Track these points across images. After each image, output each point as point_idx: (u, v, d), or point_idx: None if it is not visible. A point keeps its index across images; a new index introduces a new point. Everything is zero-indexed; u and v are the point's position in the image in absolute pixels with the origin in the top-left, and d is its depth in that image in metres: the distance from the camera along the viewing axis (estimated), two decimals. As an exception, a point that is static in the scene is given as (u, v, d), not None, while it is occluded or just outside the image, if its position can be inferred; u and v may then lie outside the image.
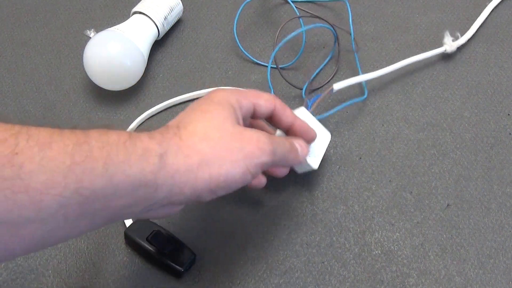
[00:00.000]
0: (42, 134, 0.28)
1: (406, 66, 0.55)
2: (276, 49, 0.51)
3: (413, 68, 0.56)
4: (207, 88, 0.55)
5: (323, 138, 0.49)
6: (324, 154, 0.48)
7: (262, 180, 0.43)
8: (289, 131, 0.44)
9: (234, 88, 0.40)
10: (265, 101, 0.41)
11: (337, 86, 0.49)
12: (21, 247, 0.28)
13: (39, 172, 0.27)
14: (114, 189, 0.30)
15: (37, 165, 0.27)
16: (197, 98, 0.48)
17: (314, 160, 0.47)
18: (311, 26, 0.53)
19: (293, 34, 0.50)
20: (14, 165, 0.27)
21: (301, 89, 0.54)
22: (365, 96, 0.53)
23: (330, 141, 0.52)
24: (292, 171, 0.47)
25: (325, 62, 0.57)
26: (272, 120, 0.43)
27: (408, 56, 0.57)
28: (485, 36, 0.59)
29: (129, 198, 0.31)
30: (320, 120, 0.48)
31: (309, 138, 0.44)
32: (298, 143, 0.43)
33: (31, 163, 0.27)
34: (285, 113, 0.42)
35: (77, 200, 0.29)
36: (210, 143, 0.35)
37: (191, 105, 0.38)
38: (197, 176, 0.34)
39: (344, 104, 0.52)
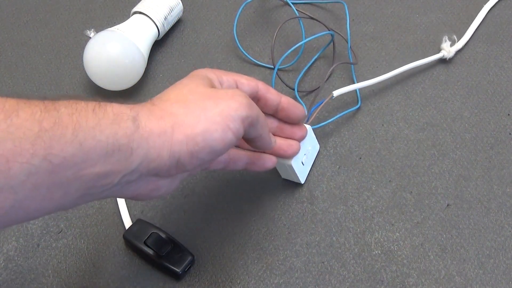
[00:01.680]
0: (8, 102, 0.28)
1: (406, 68, 0.55)
2: (284, 56, 0.51)
3: (413, 69, 0.56)
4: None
5: (314, 150, 0.49)
6: (313, 163, 0.50)
7: (272, 159, 0.43)
8: (278, 112, 0.43)
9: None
10: (248, 80, 0.40)
11: (337, 92, 0.49)
12: None
13: (6, 139, 0.27)
14: (85, 156, 0.29)
15: (4, 132, 0.27)
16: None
17: (302, 174, 0.48)
18: (312, 37, 0.54)
19: (297, 45, 0.52)
20: None
21: (293, 89, 0.54)
22: (359, 105, 0.53)
23: (330, 141, 0.52)
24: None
25: (310, 63, 0.57)
26: (257, 103, 0.41)
27: (408, 57, 0.57)
28: (485, 36, 0.59)
29: (102, 165, 0.30)
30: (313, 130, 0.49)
31: (298, 113, 0.43)
32: (288, 143, 0.44)
33: None
34: (270, 91, 0.41)
35: (47, 168, 0.28)
36: (183, 105, 0.34)
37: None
38: (173, 138, 0.32)
39: (337, 116, 0.52)
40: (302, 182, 0.48)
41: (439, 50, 0.57)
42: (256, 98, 0.41)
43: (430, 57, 0.56)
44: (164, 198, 0.49)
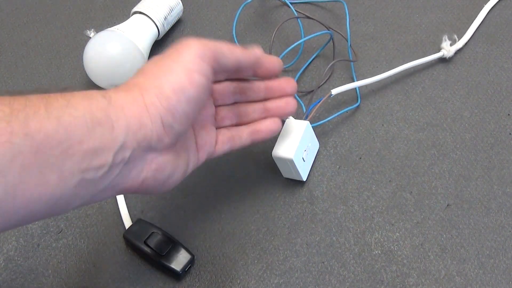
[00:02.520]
0: None
1: (406, 67, 0.55)
2: (281, 55, 0.51)
3: (413, 69, 0.56)
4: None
5: (314, 147, 0.50)
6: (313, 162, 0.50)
7: (275, 121, 0.43)
8: (256, 70, 0.42)
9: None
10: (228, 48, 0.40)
11: (335, 91, 0.49)
12: None
13: None
14: (66, 132, 0.29)
15: None
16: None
17: (304, 171, 0.48)
18: (310, 36, 0.54)
19: (295, 44, 0.53)
20: None
21: None
22: (359, 103, 0.53)
23: (330, 141, 0.52)
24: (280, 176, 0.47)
25: (308, 62, 0.57)
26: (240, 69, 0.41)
27: (407, 57, 0.57)
28: (485, 36, 0.59)
29: (88, 141, 0.30)
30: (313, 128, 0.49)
31: (274, 61, 0.43)
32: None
33: None
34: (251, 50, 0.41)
35: (31, 147, 0.28)
36: (144, 72, 0.35)
37: None
38: (146, 103, 0.33)
39: (337, 113, 0.52)
40: (304, 179, 0.48)
41: (439, 50, 0.57)
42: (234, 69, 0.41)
43: (430, 56, 0.56)
44: (164, 197, 0.49)
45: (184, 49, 0.35)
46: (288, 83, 0.44)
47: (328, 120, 0.52)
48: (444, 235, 0.46)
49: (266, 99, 0.44)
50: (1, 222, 0.28)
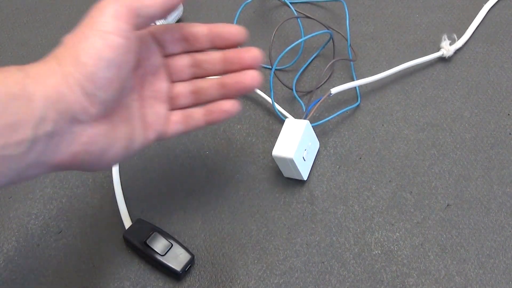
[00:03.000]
0: None
1: (405, 67, 0.55)
2: (280, 55, 0.51)
3: (413, 68, 0.56)
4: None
5: (314, 147, 0.50)
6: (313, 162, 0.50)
7: (231, 103, 0.40)
8: (214, 42, 0.39)
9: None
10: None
11: (335, 90, 0.49)
12: None
13: None
14: None
15: None
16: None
17: (304, 170, 0.48)
18: (309, 36, 0.54)
19: (295, 44, 0.52)
20: None
21: (291, 88, 0.54)
22: (359, 102, 0.53)
23: (330, 141, 0.52)
24: (281, 176, 0.47)
25: (308, 62, 0.57)
26: (187, 42, 0.39)
27: (407, 56, 0.57)
28: (485, 36, 0.59)
29: (4, 116, 0.29)
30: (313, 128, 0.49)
31: (232, 29, 0.39)
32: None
33: None
34: (194, 25, 0.39)
35: None
36: (63, 44, 0.33)
37: None
38: (64, 73, 0.31)
39: (337, 113, 0.52)
40: (305, 179, 0.48)
41: (438, 49, 0.57)
42: (184, 39, 0.38)
43: (430, 55, 0.56)
44: (164, 197, 0.49)
45: (97, 12, 0.33)
46: (248, 52, 0.39)
47: (328, 120, 0.52)
48: (444, 235, 0.46)
49: (225, 73, 0.40)
50: None
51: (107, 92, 0.32)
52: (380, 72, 0.53)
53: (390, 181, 0.49)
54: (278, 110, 0.52)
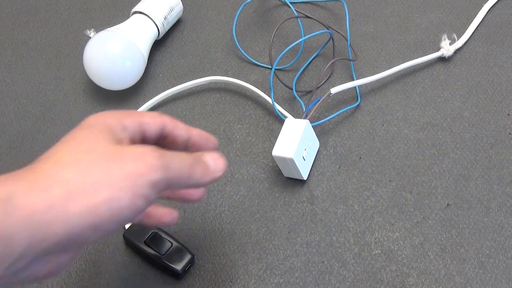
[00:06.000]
0: None
1: (405, 66, 0.55)
2: (280, 55, 0.51)
3: (413, 68, 0.56)
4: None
5: (314, 146, 0.50)
6: (313, 162, 0.50)
7: (172, 214, 0.38)
8: (189, 147, 0.37)
9: (114, 110, 0.34)
10: (152, 117, 0.34)
11: (335, 90, 0.50)
12: None
13: None
14: None
15: None
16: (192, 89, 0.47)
17: (304, 170, 0.48)
18: (309, 36, 0.54)
19: (294, 43, 0.52)
20: None
21: (291, 88, 0.54)
22: (358, 102, 0.53)
23: (330, 141, 0.52)
24: (280, 175, 0.47)
25: (308, 61, 0.57)
26: (165, 141, 0.36)
27: (407, 56, 0.57)
28: (485, 36, 0.59)
29: None
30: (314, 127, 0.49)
31: (211, 146, 0.37)
32: (210, 156, 0.34)
33: None
34: (178, 126, 0.36)
35: None
36: (78, 169, 0.28)
37: (63, 138, 0.31)
38: (68, 211, 0.27)
39: (337, 113, 0.52)
40: (305, 178, 0.48)
41: (438, 49, 0.57)
42: (162, 136, 0.35)
43: (429, 55, 0.56)
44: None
45: (143, 159, 0.30)
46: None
47: (328, 120, 0.52)
48: (444, 235, 0.46)
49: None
50: None
51: (96, 238, 0.29)
52: (380, 72, 0.54)
53: (390, 181, 0.49)
54: (278, 110, 0.52)
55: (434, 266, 0.44)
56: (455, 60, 0.57)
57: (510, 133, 0.51)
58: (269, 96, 0.52)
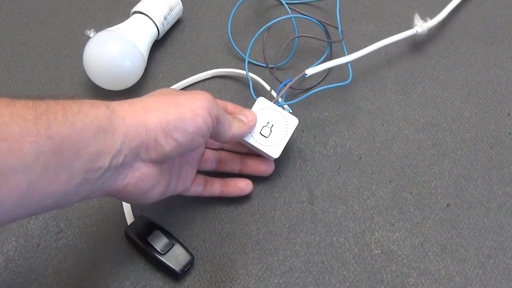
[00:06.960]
0: (2, 100, 0.31)
1: (407, 66, 0.55)
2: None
3: (413, 68, 0.56)
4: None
5: (287, 124, 0.47)
6: (291, 142, 0.48)
7: (248, 184, 0.47)
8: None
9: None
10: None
11: (310, 71, 0.49)
12: (11, 198, 0.30)
13: (12, 123, 0.30)
14: (78, 136, 0.32)
15: (8, 117, 0.30)
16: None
17: (274, 148, 0.46)
18: (301, 16, 0.54)
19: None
20: None
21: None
22: (350, 80, 0.52)
23: (330, 140, 0.52)
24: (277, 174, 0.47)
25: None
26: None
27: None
28: (485, 36, 0.59)
29: (94, 145, 0.33)
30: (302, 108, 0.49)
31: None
32: (243, 115, 0.45)
33: (2, 116, 0.30)
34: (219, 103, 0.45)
35: (51, 147, 0.31)
36: (155, 98, 0.38)
37: None
38: (146, 118, 0.36)
39: (325, 86, 0.52)
40: (274, 157, 0.46)
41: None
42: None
43: (404, 32, 0.55)
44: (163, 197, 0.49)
45: (199, 96, 0.39)
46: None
47: (309, 95, 0.51)
48: (444, 235, 0.46)
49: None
50: (21, 214, 0.32)
51: (171, 150, 0.37)
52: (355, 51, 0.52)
53: (390, 181, 0.49)
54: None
55: (434, 266, 0.44)
56: (455, 60, 0.57)
57: (510, 133, 0.51)
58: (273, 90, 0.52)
